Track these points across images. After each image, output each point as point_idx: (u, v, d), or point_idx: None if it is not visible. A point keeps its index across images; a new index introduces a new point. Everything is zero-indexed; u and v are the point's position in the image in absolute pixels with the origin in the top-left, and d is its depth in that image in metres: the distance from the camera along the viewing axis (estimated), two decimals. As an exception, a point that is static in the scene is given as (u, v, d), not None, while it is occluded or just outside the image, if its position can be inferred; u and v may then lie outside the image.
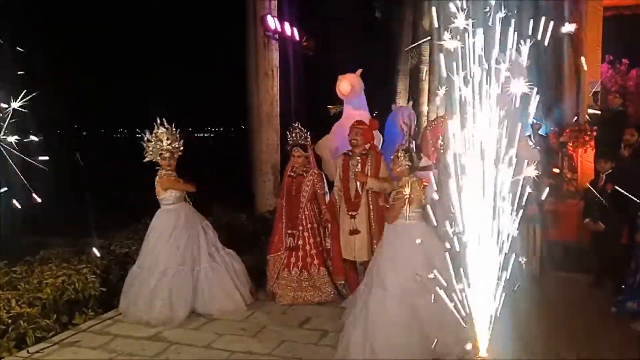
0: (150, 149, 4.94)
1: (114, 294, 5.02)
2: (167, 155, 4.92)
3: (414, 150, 4.24)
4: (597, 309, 4.84)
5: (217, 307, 4.86)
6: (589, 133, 9.05)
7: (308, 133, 5.74)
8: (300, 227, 5.24)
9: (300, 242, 5.22)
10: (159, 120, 4.92)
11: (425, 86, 17.49)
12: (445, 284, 3.46)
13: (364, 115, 6.43)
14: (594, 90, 9.03)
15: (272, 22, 7.94)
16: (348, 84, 6.64)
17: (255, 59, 8.11)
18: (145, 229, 6.23)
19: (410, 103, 8.25)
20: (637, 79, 10.62)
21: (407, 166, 4.10)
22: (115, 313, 4.87)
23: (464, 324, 3.32)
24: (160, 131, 4.91)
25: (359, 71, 6.90)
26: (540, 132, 12.47)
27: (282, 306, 5.07)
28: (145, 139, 4.94)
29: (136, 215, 6.77)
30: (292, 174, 5.36)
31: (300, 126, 5.39)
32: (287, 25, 8.41)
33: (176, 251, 4.85)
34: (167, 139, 4.92)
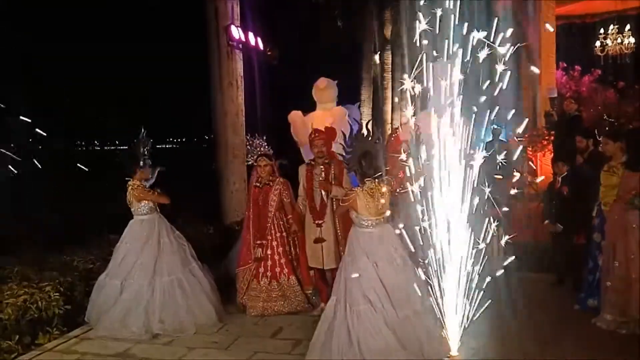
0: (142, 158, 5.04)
1: (79, 311, 4.89)
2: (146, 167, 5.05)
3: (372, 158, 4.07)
4: (560, 307, 5.01)
5: (190, 319, 4.76)
6: (546, 137, 9.40)
7: (266, 143, 5.85)
8: (269, 237, 5.21)
9: (269, 252, 5.18)
10: (143, 130, 5.02)
11: (389, 94, 17.74)
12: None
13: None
14: (551, 96, 9.38)
15: (236, 32, 7.93)
16: (324, 80, 6.64)
17: (219, 69, 8.07)
18: (107, 244, 6.12)
19: (357, 104, 8.23)
20: (590, 85, 11.11)
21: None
22: (81, 331, 4.74)
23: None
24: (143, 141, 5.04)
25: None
26: (500, 137, 12.88)
27: (254, 317, 5.03)
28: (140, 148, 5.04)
29: (98, 229, 6.62)
30: (258, 184, 5.33)
31: (258, 137, 5.43)
32: (251, 35, 8.41)
33: (148, 262, 4.80)
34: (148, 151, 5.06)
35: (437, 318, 3.45)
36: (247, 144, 6.14)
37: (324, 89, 6.51)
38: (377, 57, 16.32)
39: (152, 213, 5.02)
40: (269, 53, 9.06)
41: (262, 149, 5.85)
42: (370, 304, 3.76)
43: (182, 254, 5.03)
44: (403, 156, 3.48)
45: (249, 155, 6.11)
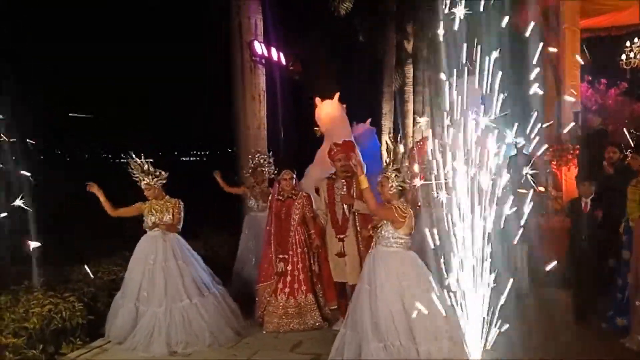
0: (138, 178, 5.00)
1: (102, 322, 4.95)
2: (143, 185, 4.98)
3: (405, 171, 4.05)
4: (588, 325, 4.88)
5: (211, 340, 4.71)
6: (571, 151, 9.23)
7: (272, 159, 6.12)
8: (290, 252, 5.15)
9: (289, 268, 5.13)
10: (132, 155, 4.96)
11: (410, 107, 17.65)
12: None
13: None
14: (574, 110, 9.23)
15: (259, 48, 8.05)
16: (325, 120, 6.74)
17: (242, 83, 8.19)
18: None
19: (368, 120, 8.27)
20: (616, 98, 10.90)
21: (398, 189, 3.90)
22: (103, 342, 4.79)
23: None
24: (135, 164, 4.96)
25: (337, 96, 6.92)
26: (524, 151, 12.67)
27: (273, 331, 5.01)
28: (131, 169, 4.99)
29: (123, 241, 6.71)
30: (280, 197, 5.28)
31: (260, 153, 5.52)
32: (273, 50, 8.52)
33: (158, 285, 4.74)
34: (143, 172, 4.96)
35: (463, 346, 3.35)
36: (255, 160, 6.33)
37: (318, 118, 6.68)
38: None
39: (155, 230, 4.94)
40: (291, 68, 9.15)
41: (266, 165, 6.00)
42: (384, 341, 3.63)
43: (198, 277, 4.92)
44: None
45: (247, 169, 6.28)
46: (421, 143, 7.90)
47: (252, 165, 6.31)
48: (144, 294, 4.74)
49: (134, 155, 4.97)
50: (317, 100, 7.12)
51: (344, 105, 7.14)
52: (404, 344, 3.61)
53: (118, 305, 4.88)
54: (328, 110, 6.84)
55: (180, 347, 4.60)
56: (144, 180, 4.96)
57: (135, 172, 4.96)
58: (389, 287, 3.72)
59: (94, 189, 4.88)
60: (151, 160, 5.08)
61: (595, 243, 5.06)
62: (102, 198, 4.90)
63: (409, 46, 17.40)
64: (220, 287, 5.11)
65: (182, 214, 5.03)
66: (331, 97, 7.05)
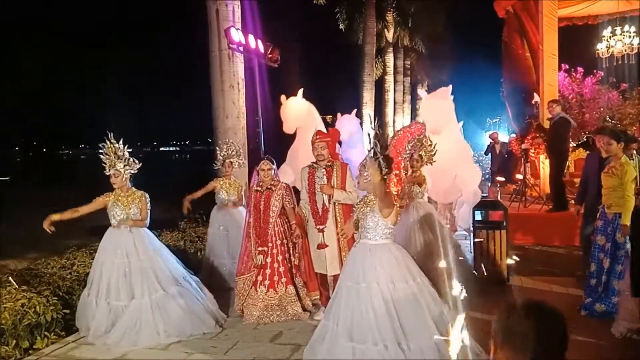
0: (107, 163, 4.77)
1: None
2: (112, 172, 4.75)
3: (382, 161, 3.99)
4: (567, 313, 4.90)
5: (195, 326, 4.67)
6: (548, 140, 9.32)
7: (240, 148, 5.94)
8: (270, 244, 5.05)
9: (268, 260, 5.05)
10: (108, 135, 4.74)
11: (391, 96, 17.64)
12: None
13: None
14: (534, 100, 9.34)
15: (236, 35, 7.91)
16: (288, 125, 6.74)
17: (220, 72, 8.06)
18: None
19: (354, 111, 8.31)
20: (592, 86, 11.05)
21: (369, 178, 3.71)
22: (78, 336, 4.68)
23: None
24: (110, 146, 4.74)
25: (300, 92, 6.86)
26: (501, 140, 12.78)
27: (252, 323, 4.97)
28: (103, 152, 4.77)
29: (99, 233, 6.58)
30: (259, 188, 5.15)
31: (228, 142, 5.39)
32: (251, 37, 8.39)
33: (130, 277, 4.60)
34: (115, 156, 4.74)
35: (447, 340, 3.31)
36: (224, 147, 6.28)
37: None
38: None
39: (120, 223, 4.74)
40: (269, 55, 9.02)
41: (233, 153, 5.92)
42: (354, 342, 3.49)
43: (169, 267, 4.80)
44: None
45: (217, 161, 6.22)
46: (401, 133, 7.92)
47: (222, 156, 6.29)
48: (117, 290, 4.58)
49: (111, 138, 4.74)
50: (283, 98, 7.07)
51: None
52: (383, 345, 3.42)
53: (87, 303, 4.68)
54: (293, 108, 6.83)
55: (163, 338, 4.51)
56: (114, 165, 4.72)
57: (107, 155, 4.73)
58: (376, 286, 3.53)
59: (48, 222, 4.62)
60: (130, 149, 4.86)
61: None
62: (59, 217, 4.67)
63: (389, 35, 17.39)
64: (194, 277, 5.05)
65: (149, 207, 4.84)
66: (295, 94, 7.03)
